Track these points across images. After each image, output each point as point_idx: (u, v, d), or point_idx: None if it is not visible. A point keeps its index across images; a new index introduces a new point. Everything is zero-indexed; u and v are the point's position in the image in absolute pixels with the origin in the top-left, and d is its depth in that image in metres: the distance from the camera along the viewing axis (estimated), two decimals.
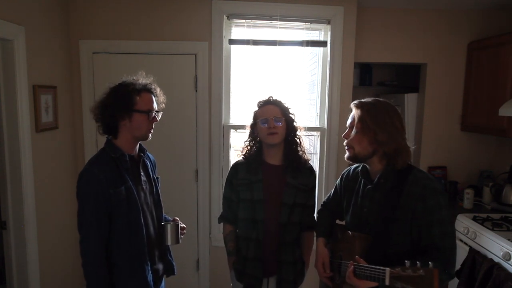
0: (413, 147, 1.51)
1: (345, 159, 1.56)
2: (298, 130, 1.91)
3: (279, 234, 1.83)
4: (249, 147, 1.93)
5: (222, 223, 2.02)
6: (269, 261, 1.84)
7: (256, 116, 1.89)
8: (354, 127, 1.49)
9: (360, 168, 1.62)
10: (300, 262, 1.92)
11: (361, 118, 1.46)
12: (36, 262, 2.36)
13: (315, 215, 1.97)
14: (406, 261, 1.18)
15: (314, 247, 1.97)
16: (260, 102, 1.91)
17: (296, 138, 1.89)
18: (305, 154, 1.92)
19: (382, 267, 1.24)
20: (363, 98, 1.54)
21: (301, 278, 1.95)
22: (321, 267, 1.68)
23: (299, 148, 1.89)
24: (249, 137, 1.94)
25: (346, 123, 3.02)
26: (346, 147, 1.54)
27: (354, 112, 1.51)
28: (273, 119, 1.80)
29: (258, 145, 1.91)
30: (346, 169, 1.76)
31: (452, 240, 1.39)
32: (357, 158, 1.51)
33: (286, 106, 1.89)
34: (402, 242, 1.42)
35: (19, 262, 2.29)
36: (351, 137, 1.50)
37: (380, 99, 1.52)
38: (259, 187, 1.83)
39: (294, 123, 1.89)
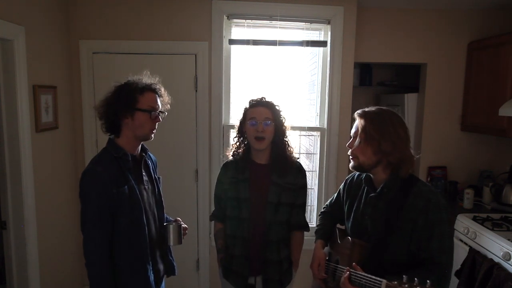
0: (418, 156, 1.50)
1: (350, 168, 1.55)
2: (287, 132, 1.91)
3: (264, 233, 1.84)
4: (237, 144, 1.94)
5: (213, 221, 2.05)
6: (255, 259, 1.85)
7: (246, 114, 1.88)
8: (358, 137, 1.48)
9: (363, 175, 1.61)
10: (287, 262, 1.92)
11: (364, 128, 1.45)
12: (36, 262, 2.36)
13: (318, 214, 1.97)
14: (404, 276, 1.16)
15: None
16: (252, 101, 1.90)
17: (284, 140, 1.89)
18: (292, 154, 1.92)
19: (379, 278, 1.23)
20: (366, 107, 1.53)
21: (289, 278, 1.94)
22: (316, 268, 1.68)
23: (286, 149, 1.90)
24: (237, 134, 1.94)
25: (346, 123, 3.05)
26: (350, 157, 1.53)
27: (358, 122, 1.49)
28: (262, 123, 1.80)
29: (246, 143, 1.91)
30: (350, 175, 1.75)
31: (450, 256, 1.39)
32: (362, 167, 1.50)
33: (278, 108, 1.88)
34: (400, 253, 1.42)
35: (19, 262, 2.29)
36: (354, 147, 1.49)
37: (384, 107, 1.51)
38: (245, 186, 1.85)
39: (284, 127, 1.88)
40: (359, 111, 1.51)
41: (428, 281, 1.13)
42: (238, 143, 1.94)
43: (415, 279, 1.14)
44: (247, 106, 1.91)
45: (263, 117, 1.81)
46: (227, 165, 1.97)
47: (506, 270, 2.12)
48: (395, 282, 1.16)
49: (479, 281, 2.23)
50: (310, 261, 1.73)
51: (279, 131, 1.86)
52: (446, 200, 3.10)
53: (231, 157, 1.98)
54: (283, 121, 1.89)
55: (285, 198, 1.85)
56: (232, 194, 1.88)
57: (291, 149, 1.92)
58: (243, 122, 1.90)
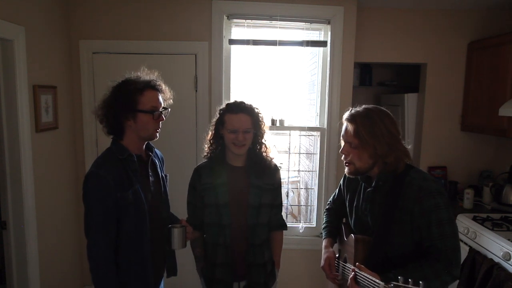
0: (409, 147, 1.49)
1: (347, 174, 1.54)
2: (264, 134, 1.84)
3: (247, 237, 1.79)
4: (213, 147, 1.83)
5: None
6: (238, 265, 1.80)
7: (224, 120, 1.77)
8: (352, 143, 1.45)
9: None
10: (270, 263, 1.89)
11: (357, 134, 1.42)
12: (36, 262, 2.36)
13: (322, 212, 1.95)
14: (399, 277, 1.17)
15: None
16: (231, 105, 1.79)
17: (261, 142, 1.83)
18: (268, 154, 1.87)
19: (377, 281, 1.23)
20: (353, 108, 1.49)
21: (273, 279, 1.92)
22: (328, 269, 1.66)
23: (263, 150, 1.84)
24: (212, 135, 1.83)
25: None
26: (345, 163, 1.50)
27: (349, 127, 1.46)
28: (242, 132, 1.72)
29: (221, 146, 1.82)
30: None
31: (453, 240, 1.36)
32: (359, 172, 1.49)
33: (257, 112, 1.80)
34: (404, 245, 1.41)
35: (19, 262, 2.29)
36: (349, 154, 1.47)
37: (370, 106, 1.47)
38: (223, 191, 1.77)
39: (262, 130, 1.82)
40: (347, 116, 1.48)
41: (421, 282, 1.13)
42: (213, 146, 1.83)
43: (409, 280, 1.14)
44: (224, 108, 1.80)
45: (244, 127, 1.72)
46: (199, 170, 1.87)
47: (506, 270, 2.12)
48: (392, 285, 1.17)
49: (479, 281, 2.23)
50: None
51: (258, 134, 1.80)
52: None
53: (204, 160, 1.88)
54: (262, 124, 1.82)
55: (265, 199, 1.81)
56: (210, 200, 1.78)
57: (268, 150, 1.87)
58: (219, 125, 1.79)
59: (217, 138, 1.82)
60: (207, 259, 1.85)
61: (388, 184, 1.45)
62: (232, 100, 1.85)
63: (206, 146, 1.87)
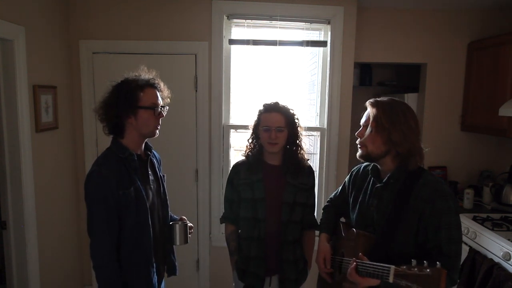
0: (426, 150, 1.50)
1: (357, 157, 1.55)
2: (300, 134, 1.92)
3: (280, 233, 1.85)
4: (252, 146, 1.95)
5: (223, 224, 2.04)
6: (271, 259, 1.87)
7: (259, 119, 1.90)
8: (369, 126, 1.48)
9: (370, 166, 1.61)
10: (302, 261, 1.94)
11: (376, 117, 1.45)
12: (36, 262, 2.36)
13: (321, 211, 1.98)
14: (412, 260, 1.17)
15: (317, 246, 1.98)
16: (266, 105, 1.90)
17: (297, 142, 1.91)
18: (304, 156, 1.94)
19: (387, 265, 1.23)
20: (378, 97, 1.53)
21: (304, 276, 1.96)
22: (322, 262, 1.68)
23: (298, 152, 1.91)
24: (251, 135, 1.95)
25: (346, 123, 3.05)
26: (358, 146, 1.53)
27: (370, 111, 1.49)
28: (275, 130, 1.81)
29: (259, 145, 1.92)
30: (356, 167, 1.76)
31: (458, 246, 1.38)
32: (370, 157, 1.50)
33: (292, 112, 1.89)
34: (407, 244, 1.41)
35: (19, 262, 2.29)
36: (364, 136, 1.49)
37: (396, 98, 1.52)
38: (259, 186, 1.86)
39: (297, 129, 1.90)
40: (371, 100, 1.52)
41: (438, 262, 1.13)
42: (252, 145, 1.95)
43: (424, 262, 1.14)
44: (261, 109, 1.91)
45: (276, 124, 1.82)
46: (237, 166, 1.97)
47: (506, 270, 2.12)
48: (404, 267, 1.17)
49: (479, 281, 2.23)
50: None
51: (293, 133, 1.88)
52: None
53: (242, 158, 1.98)
54: (297, 124, 1.90)
55: (299, 198, 1.87)
56: (246, 195, 1.88)
57: (303, 152, 1.93)
58: (257, 125, 1.91)
59: (255, 138, 1.93)
60: (241, 253, 1.92)
61: (399, 183, 1.46)
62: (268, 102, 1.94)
63: (245, 146, 1.99)
